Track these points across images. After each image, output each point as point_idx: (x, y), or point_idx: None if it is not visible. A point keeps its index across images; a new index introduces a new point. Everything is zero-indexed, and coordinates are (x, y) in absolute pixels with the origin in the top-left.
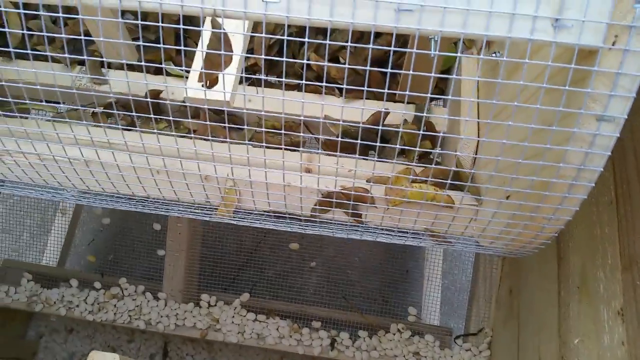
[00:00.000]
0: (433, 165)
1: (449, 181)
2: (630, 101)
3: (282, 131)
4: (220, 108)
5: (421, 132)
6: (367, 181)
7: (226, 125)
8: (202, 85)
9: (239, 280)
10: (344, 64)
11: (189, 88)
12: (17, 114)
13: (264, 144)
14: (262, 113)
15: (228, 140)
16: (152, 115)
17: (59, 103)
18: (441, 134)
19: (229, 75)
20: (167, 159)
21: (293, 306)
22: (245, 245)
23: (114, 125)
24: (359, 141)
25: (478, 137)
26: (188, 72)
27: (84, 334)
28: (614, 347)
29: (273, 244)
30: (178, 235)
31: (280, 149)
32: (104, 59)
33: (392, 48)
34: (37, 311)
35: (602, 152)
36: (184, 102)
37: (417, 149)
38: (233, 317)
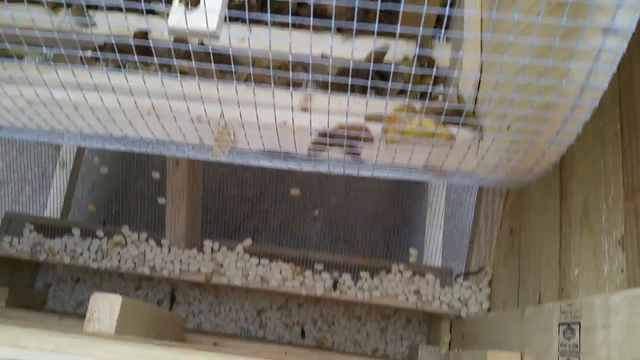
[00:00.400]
0: (428, 100)
1: (445, 106)
2: (639, 11)
3: (270, 56)
4: (204, 37)
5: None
6: (365, 119)
7: (209, 52)
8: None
9: (242, 229)
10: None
11: (171, 16)
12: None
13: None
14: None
15: (214, 76)
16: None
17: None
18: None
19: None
20: (158, 101)
21: (295, 251)
22: (248, 194)
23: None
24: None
25: (480, 68)
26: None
27: (91, 283)
28: (613, 275)
29: (276, 193)
30: (177, 183)
31: (272, 87)
32: None
33: None
34: (41, 260)
35: (607, 69)
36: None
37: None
38: (237, 261)
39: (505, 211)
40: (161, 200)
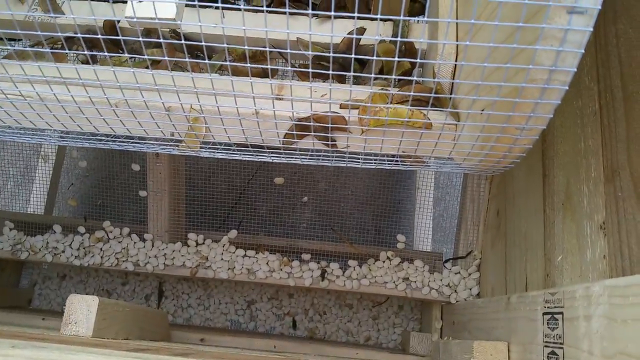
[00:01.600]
0: (393, 91)
1: (411, 92)
2: None
3: (246, 46)
4: (168, 27)
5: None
6: (340, 107)
7: (180, 41)
8: None
9: (230, 220)
10: None
11: (128, 6)
12: None
13: (209, 77)
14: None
15: (167, 68)
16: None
17: (14, 40)
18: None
19: None
20: (127, 93)
21: (282, 240)
22: (235, 184)
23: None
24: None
25: (456, 53)
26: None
27: (77, 280)
28: (595, 261)
29: (263, 182)
30: (159, 175)
31: (233, 78)
32: None
33: None
34: (23, 259)
35: (574, 50)
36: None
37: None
38: (222, 254)
39: (492, 194)
40: (142, 193)
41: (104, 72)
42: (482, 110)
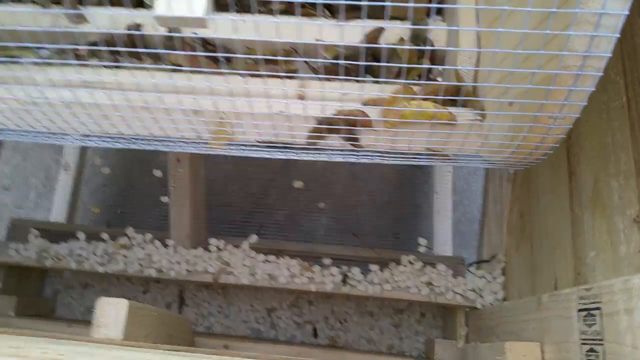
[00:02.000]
0: (423, 82)
1: (442, 85)
2: None
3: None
4: (195, 30)
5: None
6: (363, 104)
7: (204, 43)
8: None
9: (248, 225)
10: None
11: (158, 4)
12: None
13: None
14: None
15: (183, 67)
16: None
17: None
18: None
19: None
20: (153, 96)
21: (302, 245)
22: (253, 190)
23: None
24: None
25: (478, 44)
26: None
27: (99, 288)
28: (630, 256)
29: (281, 187)
30: (180, 180)
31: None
32: None
33: None
34: (48, 267)
35: (609, 35)
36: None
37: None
38: (243, 259)
39: (514, 195)
40: (164, 199)
41: (139, 73)
42: (513, 99)
